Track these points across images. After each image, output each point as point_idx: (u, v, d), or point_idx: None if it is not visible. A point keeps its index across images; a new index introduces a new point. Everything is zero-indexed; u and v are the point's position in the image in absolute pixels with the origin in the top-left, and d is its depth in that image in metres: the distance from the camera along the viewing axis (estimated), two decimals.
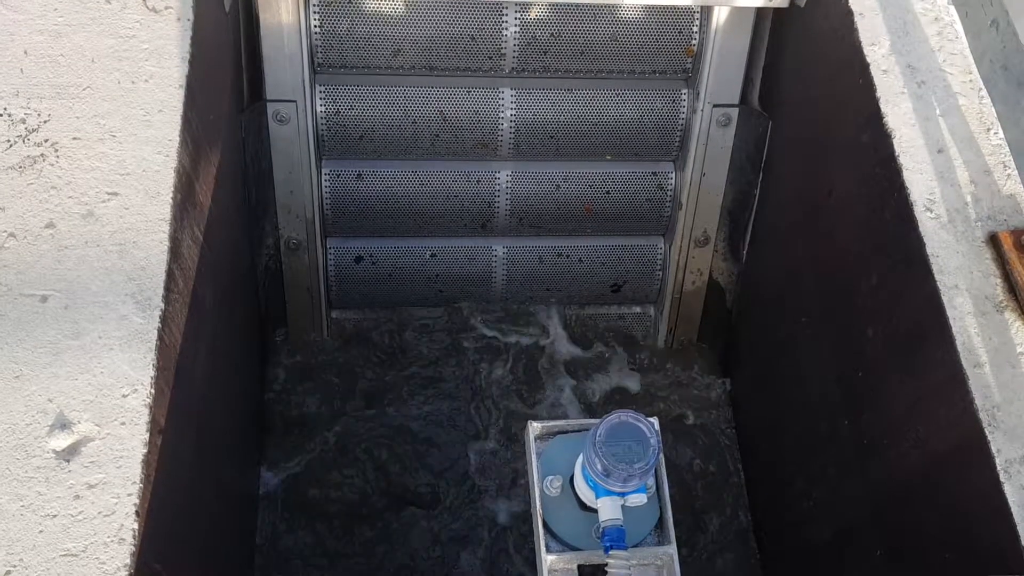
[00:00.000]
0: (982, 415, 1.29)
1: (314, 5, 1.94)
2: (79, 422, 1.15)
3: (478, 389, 2.32)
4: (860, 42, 1.64)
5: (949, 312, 1.37)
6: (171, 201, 1.33)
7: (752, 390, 2.31)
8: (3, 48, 1.44)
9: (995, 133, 1.55)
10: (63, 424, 1.15)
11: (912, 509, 1.52)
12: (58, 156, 1.35)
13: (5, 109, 1.38)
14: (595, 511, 1.24)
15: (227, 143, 1.75)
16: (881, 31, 1.65)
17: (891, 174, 1.52)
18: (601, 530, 1.22)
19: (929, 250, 1.42)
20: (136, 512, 1.10)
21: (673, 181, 2.27)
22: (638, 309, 2.49)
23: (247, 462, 2.11)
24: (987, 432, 1.28)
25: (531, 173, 2.24)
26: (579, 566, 1.26)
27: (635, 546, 1.25)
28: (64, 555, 1.07)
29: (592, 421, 1.23)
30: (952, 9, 1.70)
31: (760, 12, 2.01)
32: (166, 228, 1.31)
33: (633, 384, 2.41)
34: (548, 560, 1.26)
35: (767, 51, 2.05)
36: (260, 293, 2.23)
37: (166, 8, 1.52)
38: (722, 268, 2.37)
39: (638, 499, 1.24)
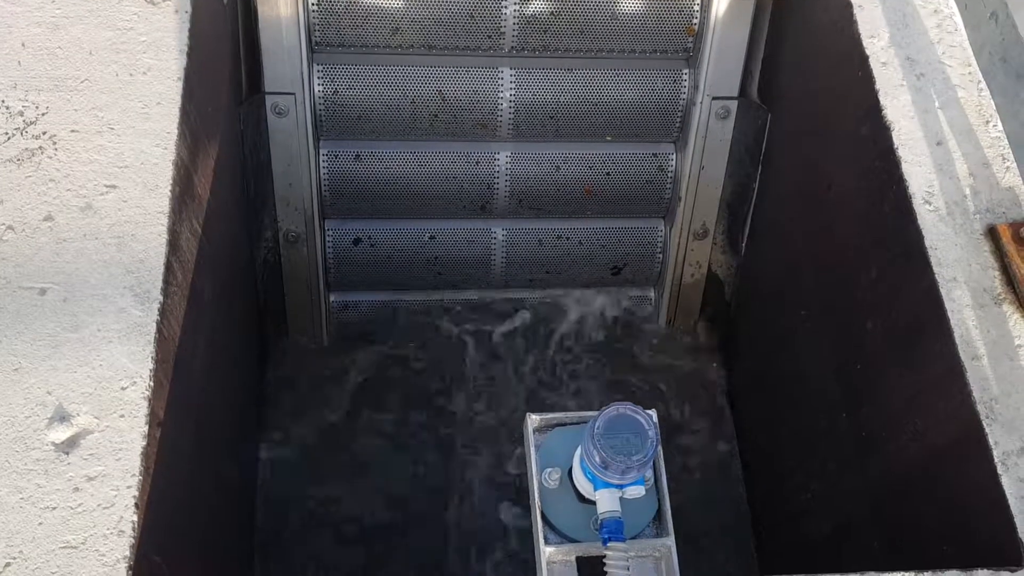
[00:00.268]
0: (980, 408, 1.29)
1: None
2: (78, 415, 1.15)
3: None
4: (859, 34, 1.63)
5: (947, 305, 1.37)
6: (169, 194, 1.33)
7: (751, 383, 2.31)
8: (1, 40, 1.44)
9: (994, 126, 1.55)
10: (62, 417, 1.15)
11: (910, 502, 1.52)
12: (56, 149, 1.35)
13: (3, 102, 1.38)
14: (593, 503, 1.24)
15: (225, 136, 1.75)
16: (880, 23, 1.65)
17: (890, 167, 1.52)
18: (599, 522, 1.23)
19: (928, 243, 1.42)
20: (135, 504, 1.11)
21: (673, 162, 2.25)
22: (638, 292, 2.48)
23: (246, 454, 2.11)
24: (985, 425, 1.28)
25: (531, 154, 2.22)
26: (577, 558, 1.27)
27: (633, 538, 1.25)
28: (64, 547, 1.07)
29: (591, 413, 1.23)
30: (951, 1, 1.70)
31: (759, 4, 2.00)
32: (165, 221, 1.31)
33: (631, 369, 2.41)
34: (546, 552, 1.26)
35: (766, 43, 2.05)
36: (259, 286, 2.23)
37: (164, 0, 1.51)
38: (721, 261, 2.37)
39: (636, 491, 1.24)
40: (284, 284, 2.28)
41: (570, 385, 2.36)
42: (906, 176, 1.48)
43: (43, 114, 1.37)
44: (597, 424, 1.19)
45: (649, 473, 1.28)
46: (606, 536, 1.21)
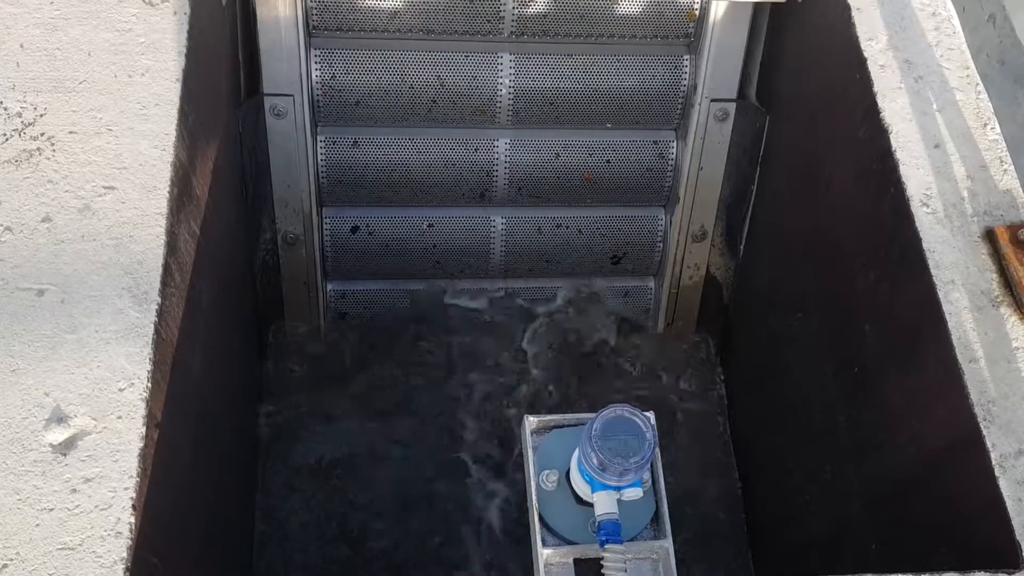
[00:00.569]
0: (977, 410, 1.29)
1: None
2: (76, 416, 1.15)
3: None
4: (857, 37, 1.63)
5: (945, 307, 1.37)
6: (168, 195, 1.33)
7: (748, 385, 2.31)
8: None
9: (992, 128, 1.55)
10: (60, 418, 1.15)
11: (908, 504, 1.52)
12: (54, 150, 1.35)
13: (1, 103, 1.38)
14: (591, 505, 1.25)
15: (224, 137, 1.75)
16: (878, 26, 1.65)
17: (888, 169, 1.52)
18: (597, 524, 1.23)
19: (925, 245, 1.42)
20: (133, 506, 1.10)
21: (674, 150, 2.23)
22: (638, 282, 2.45)
23: (245, 455, 2.11)
24: (982, 427, 1.28)
25: (530, 141, 2.20)
26: (575, 560, 1.27)
27: (631, 540, 1.25)
28: (61, 548, 1.07)
29: (588, 415, 1.23)
30: (949, 4, 1.70)
31: (757, 7, 2.00)
32: (163, 222, 1.31)
33: (629, 370, 2.41)
34: (544, 554, 1.26)
35: (764, 46, 2.05)
36: (257, 287, 2.23)
37: (163, 2, 1.51)
38: (719, 263, 2.37)
39: (634, 493, 1.24)
40: (283, 285, 2.28)
41: (570, 384, 2.36)
42: (904, 178, 1.49)
43: (41, 115, 1.37)
44: (595, 426, 1.19)
45: (647, 475, 1.28)
46: (604, 538, 1.21)
